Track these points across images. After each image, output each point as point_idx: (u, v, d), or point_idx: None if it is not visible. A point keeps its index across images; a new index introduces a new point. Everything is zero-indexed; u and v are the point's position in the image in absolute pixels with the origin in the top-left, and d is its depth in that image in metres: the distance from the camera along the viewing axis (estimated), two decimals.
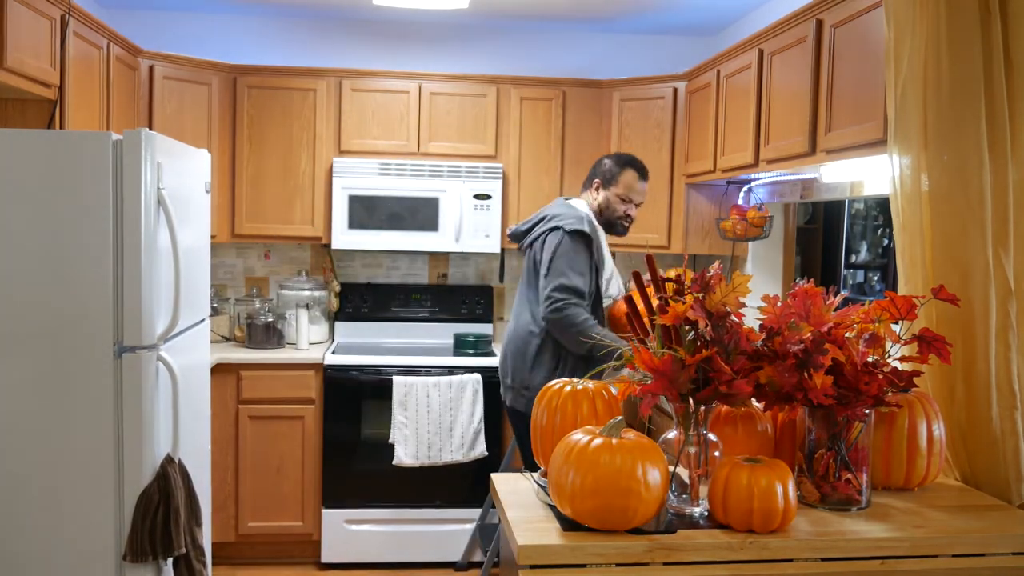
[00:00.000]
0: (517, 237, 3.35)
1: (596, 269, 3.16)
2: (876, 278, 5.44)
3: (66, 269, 2.53)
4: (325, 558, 4.07)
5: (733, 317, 1.75)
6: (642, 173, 3.32)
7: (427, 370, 4.07)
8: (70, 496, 2.57)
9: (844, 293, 1.86)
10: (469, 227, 4.28)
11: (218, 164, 4.13)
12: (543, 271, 3.12)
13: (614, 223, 3.32)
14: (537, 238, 3.22)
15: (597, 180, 3.31)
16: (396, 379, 3.97)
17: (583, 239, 3.11)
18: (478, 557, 4.04)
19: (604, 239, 3.28)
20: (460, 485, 4.08)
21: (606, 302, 3.24)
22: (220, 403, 3.96)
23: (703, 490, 1.74)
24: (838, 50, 2.66)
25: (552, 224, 3.16)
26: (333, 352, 4.16)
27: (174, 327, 2.69)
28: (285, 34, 4.59)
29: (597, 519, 1.62)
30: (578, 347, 3.02)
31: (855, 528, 1.71)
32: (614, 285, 3.30)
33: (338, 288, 4.58)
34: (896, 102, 2.05)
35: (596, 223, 3.26)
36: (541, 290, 3.11)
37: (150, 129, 3.04)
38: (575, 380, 1.98)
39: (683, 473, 1.78)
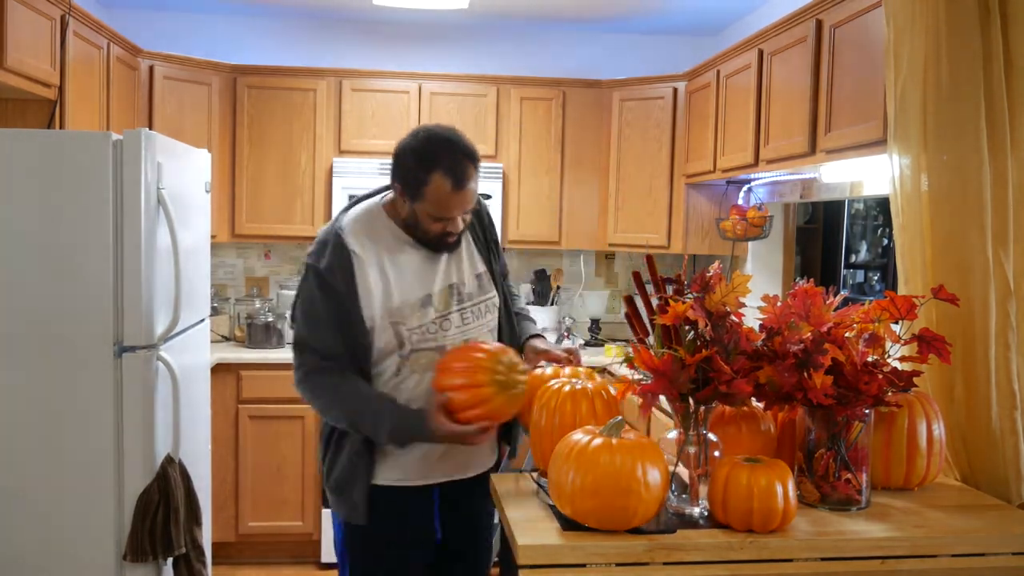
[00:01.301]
0: None
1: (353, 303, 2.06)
2: (876, 278, 5.44)
3: (66, 269, 2.53)
4: (325, 558, 4.07)
5: (733, 317, 1.75)
6: (458, 175, 2.00)
7: None
8: (70, 496, 2.57)
9: (844, 293, 1.86)
10: None
11: (218, 164, 4.13)
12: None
13: (432, 243, 2.12)
14: None
15: (398, 185, 2.08)
16: None
17: (316, 278, 2.07)
18: None
19: (408, 251, 2.14)
20: None
21: (406, 352, 2.09)
22: (220, 403, 3.96)
23: (703, 490, 1.74)
24: (838, 50, 2.66)
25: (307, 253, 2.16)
26: None
27: (174, 327, 2.69)
28: (285, 34, 4.59)
29: (597, 519, 1.62)
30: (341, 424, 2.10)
31: (855, 528, 1.71)
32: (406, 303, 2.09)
33: None
34: (896, 102, 2.05)
35: (369, 236, 2.12)
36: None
37: (150, 129, 3.04)
38: (574, 380, 1.98)
39: (683, 473, 1.78)
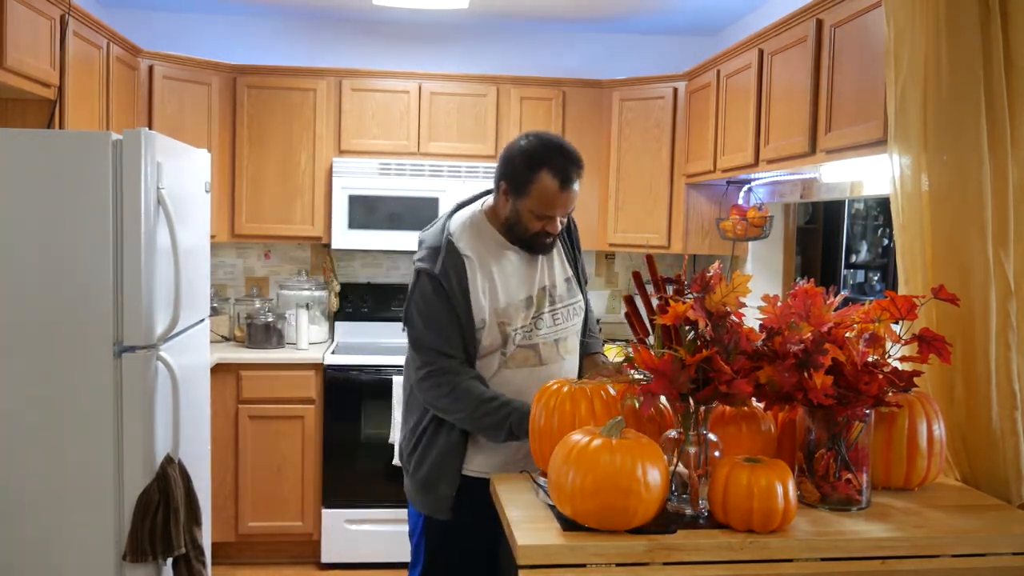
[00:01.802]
0: None
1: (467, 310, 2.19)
2: (876, 278, 5.44)
3: (66, 269, 2.52)
4: (325, 558, 4.07)
5: (733, 317, 1.75)
6: (565, 175, 2.14)
7: None
8: (70, 496, 2.57)
9: (844, 293, 1.86)
10: None
11: (218, 164, 4.13)
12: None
13: (529, 242, 2.24)
14: None
15: (503, 183, 2.20)
16: (396, 379, 3.97)
17: (431, 281, 2.19)
18: None
19: (510, 255, 2.27)
20: None
21: (511, 350, 2.22)
22: (220, 403, 3.96)
23: (703, 490, 1.74)
24: (838, 50, 2.66)
25: (417, 258, 2.27)
26: (333, 352, 4.16)
27: (174, 327, 2.69)
28: (285, 34, 4.59)
29: (597, 519, 1.62)
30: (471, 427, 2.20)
31: (855, 528, 1.71)
32: (517, 321, 2.23)
33: (338, 288, 4.58)
34: (896, 102, 2.05)
35: (475, 241, 2.24)
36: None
37: (150, 129, 3.04)
38: (573, 380, 1.97)
39: (683, 473, 1.78)
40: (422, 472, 2.25)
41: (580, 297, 2.37)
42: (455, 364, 2.18)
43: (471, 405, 2.14)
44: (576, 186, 2.19)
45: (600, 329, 4.69)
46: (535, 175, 2.14)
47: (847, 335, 1.79)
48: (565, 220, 2.27)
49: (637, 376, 1.91)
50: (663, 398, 1.75)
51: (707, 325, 1.71)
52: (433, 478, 2.23)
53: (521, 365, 2.24)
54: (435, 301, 2.17)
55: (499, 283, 2.22)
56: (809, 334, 1.76)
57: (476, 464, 2.24)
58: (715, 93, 3.71)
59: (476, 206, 2.32)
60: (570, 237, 2.42)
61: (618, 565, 1.59)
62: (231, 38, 4.53)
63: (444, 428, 2.22)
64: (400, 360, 4.06)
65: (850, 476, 1.79)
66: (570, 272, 2.37)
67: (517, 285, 2.25)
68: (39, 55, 2.93)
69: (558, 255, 2.36)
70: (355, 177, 4.22)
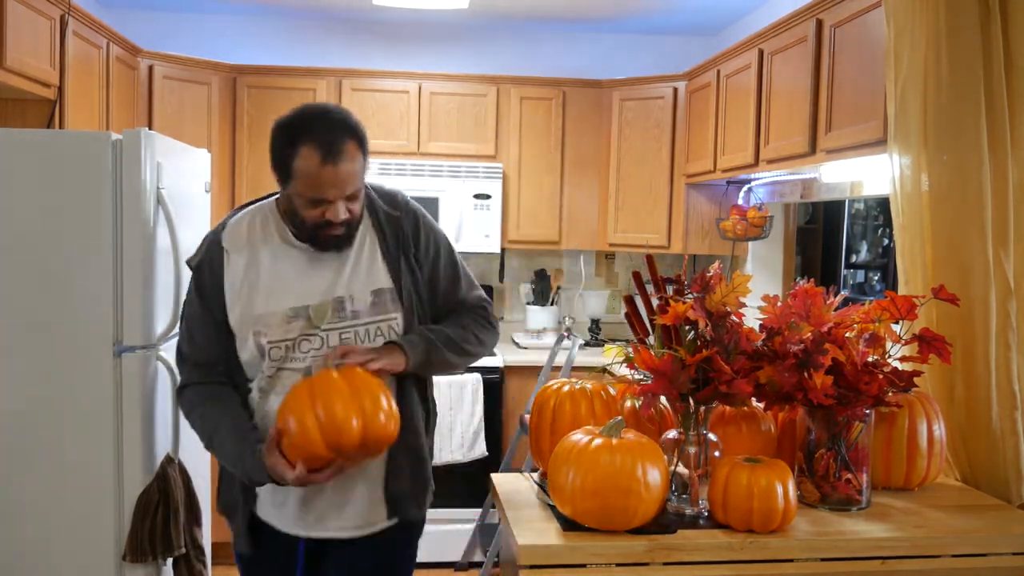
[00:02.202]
0: None
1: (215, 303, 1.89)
2: (876, 278, 5.44)
3: (66, 269, 2.52)
4: None
5: (733, 317, 1.75)
6: (329, 148, 1.74)
7: None
8: (70, 496, 2.57)
9: (844, 293, 1.86)
10: (469, 227, 4.28)
11: (218, 164, 4.13)
12: None
13: (313, 236, 1.85)
14: None
15: (273, 168, 1.84)
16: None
17: (193, 278, 1.94)
18: (478, 557, 4.04)
19: (293, 255, 1.90)
20: (460, 485, 4.07)
21: (269, 370, 1.87)
22: None
23: (703, 490, 1.74)
24: (838, 50, 2.66)
25: None
26: None
27: (174, 327, 2.68)
28: (285, 34, 4.59)
29: (597, 519, 1.62)
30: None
31: (855, 528, 1.71)
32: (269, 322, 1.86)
33: None
34: (896, 102, 2.05)
35: (251, 234, 1.92)
36: None
37: (150, 129, 3.04)
38: (573, 380, 1.97)
39: (683, 473, 1.78)
40: (222, 499, 1.98)
41: (394, 314, 1.89)
42: (210, 377, 1.88)
43: (211, 425, 1.85)
44: (349, 163, 1.75)
45: (600, 329, 4.71)
46: (295, 150, 1.74)
47: (847, 335, 1.79)
48: (356, 209, 1.83)
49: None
50: (663, 398, 1.75)
51: (707, 325, 1.71)
52: (229, 508, 1.97)
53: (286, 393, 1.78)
54: (193, 301, 1.90)
55: (262, 285, 1.85)
56: (809, 334, 1.76)
57: (262, 506, 1.94)
58: (715, 93, 3.71)
59: (272, 198, 1.96)
60: (401, 239, 1.93)
61: (618, 565, 1.59)
62: (231, 38, 4.53)
63: None
64: None
65: (850, 476, 1.79)
66: (384, 283, 1.89)
67: (285, 290, 1.85)
68: (39, 55, 2.93)
69: (368, 260, 1.90)
70: None
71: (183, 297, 2.69)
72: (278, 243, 1.88)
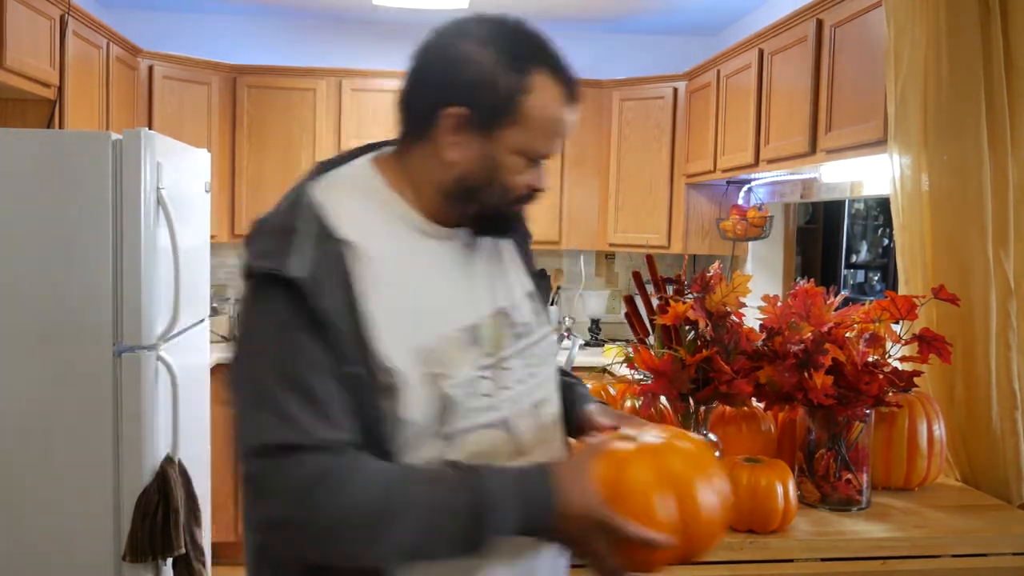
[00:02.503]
0: None
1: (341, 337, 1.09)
2: (876, 278, 5.44)
3: (66, 269, 2.52)
4: None
5: (733, 317, 1.75)
6: (571, 80, 1.20)
7: None
8: (70, 496, 2.57)
9: (844, 293, 1.86)
10: None
11: (218, 164, 4.12)
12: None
13: (500, 216, 1.24)
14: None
15: (458, 111, 1.15)
16: None
17: (286, 296, 1.08)
18: None
19: (433, 249, 1.22)
20: None
21: (457, 429, 1.14)
22: (220, 403, 3.95)
23: None
24: (838, 50, 2.66)
25: (246, 256, 1.15)
26: None
27: (174, 327, 2.69)
28: (285, 34, 4.59)
29: None
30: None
31: (855, 528, 1.71)
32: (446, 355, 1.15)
33: None
34: (896, 102, 2.05)
35: (367, 219, 1.18)
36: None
37: (150, 129, 3.04)
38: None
39: None
40: None
41: (550, 326, 1.37)
42: (342, 446, 1.07)
43: (399, 486, 1.06)
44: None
45: (600, 329, 4.70)
46: (528, 82, 1.15)
47: (847, 335, 1.79)
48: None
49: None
50: (663, 398, 1.75)
51: (707, 325, 1.71)
52: None
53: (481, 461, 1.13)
54: (300, 344, 1.07)
55: (420, 294, 1.17)
56: (809, 334, 1.76)
57: None
58: (715, 93, 3.71)
59: (357, 165, 1.25)
60: (525, 231, 1.40)
61: None
62: (231, 38, 4.53)
63: None
64: None
65: (850, 476, 1.79)
66: (531, 285, 1.36)
67: (451, 302, 1.20)
68: (39, 55, 2.93)
69: (509, 255, 1.34)
70: None
71: (183, 297, 2.71)
72: (407, 232, 1.20)
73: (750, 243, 4.00)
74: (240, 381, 1.14)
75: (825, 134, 2.72)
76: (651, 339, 1.83)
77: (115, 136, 2.55)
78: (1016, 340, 1.96)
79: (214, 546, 3.76)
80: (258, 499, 1.08)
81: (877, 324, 1.81)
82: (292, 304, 1.07)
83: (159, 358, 2.66)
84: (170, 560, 2.69)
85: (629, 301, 1.93)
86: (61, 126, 3.09)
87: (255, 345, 1.13)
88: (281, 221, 1.14)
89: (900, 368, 1.84)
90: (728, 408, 1.88)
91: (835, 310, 1.82)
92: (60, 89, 3.08)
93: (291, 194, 1.20)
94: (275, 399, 1.07)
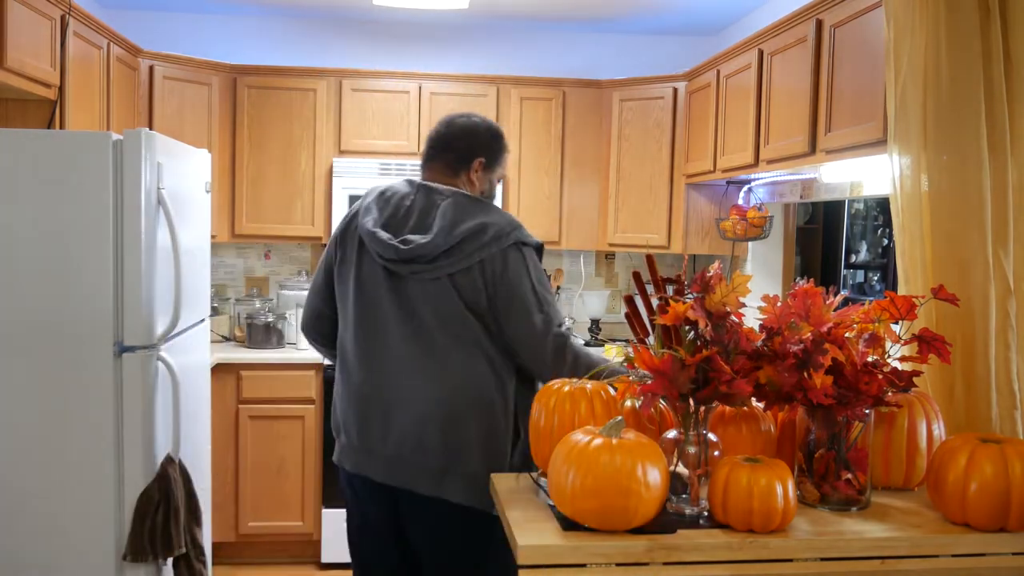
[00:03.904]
0: (427, 255, 2.19)
1: None
2: (876, 278, 5.45)
3: (66, 269, 2.53)
4: (325, 558, 4.07)
5: (733, 317, 1.75)
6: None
7: None
8: (70, 496, 2.57)
9: (844, 293, 1.86)
10: None
11: (218, 164, 4.13)
12: (527, 302, 2.20)
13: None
14: (482, 259, 2.19)
15: (480, 159, 2.35)
16: None
17: (539, 253, 2.35)
18: None
19: None
20: None
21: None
22: (220, 403, 3.96)
23: (703, 490, 1.74)
24: (838, 50, 2.66)
25: (514, 238, 2.22)
26: None
27: (174, 327, 2.69)
28: (285, 34, 4.59)
29: (597, 519, 1.62)
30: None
31: (855, 528, 1.71)
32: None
33: None
34: (896, 102, 2.05)
35: None
36: (530, 328, 2.19)
37: (150, 129, 3.05)
38: (573, 380, 1.97)
39: (683, 473, 1.78)
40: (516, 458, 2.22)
41: None
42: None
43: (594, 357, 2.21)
44: None
45: (600, 329, 4.70)
46: (505, 144, 2.43)
47: (847, 335, 1.79)
48: None
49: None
50: (663, 398, 1.75)
51: (707, 325, 1.71)
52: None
53: None
54: (543, 272, 2.32)
55: None
56: (809, 334, 1.76)
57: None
58: (715, 93, 3.71)
59: (464, 191, 2.35)
60: None
61: (618, 565, 1.59)
62: (231, 38, 4.54)
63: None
64: None
65: (850, 476, 1.79)
66: None
67: None
68: (39, 55, 2.93)
69: None
70: (355, 177, 4.22)
71: (183, 297, 2.72)
72: None
73: (750, 243, 4.01)
74: (540, 291, 2.24)
75: (825, 134, 2.72)
76: (651, 339, 1.83)
77: (115, 136, 2.55)
78: (1016, 340, 1.96)
79: (214, 546, 3.77)
80: (561, 337, 2.22)
81: (877, 324, 1.81)
82: (538, 257, 2.30)
83: (160, 358, 2.66)
84: (170, 560, 2.70)
85: (629, 301, 1.93)
86: (62, 126, 3.09)
87: (540, 276, 2.27)
88: (512, 219, 2.28)
89: (900, 368, 1.84)
90: (728, 408, 1.88)
91: (835, 310, 1.82)
92: (61, 89, 3.08)
93: (489, 205, 2.31)
94: (552, 302, 2.27)
